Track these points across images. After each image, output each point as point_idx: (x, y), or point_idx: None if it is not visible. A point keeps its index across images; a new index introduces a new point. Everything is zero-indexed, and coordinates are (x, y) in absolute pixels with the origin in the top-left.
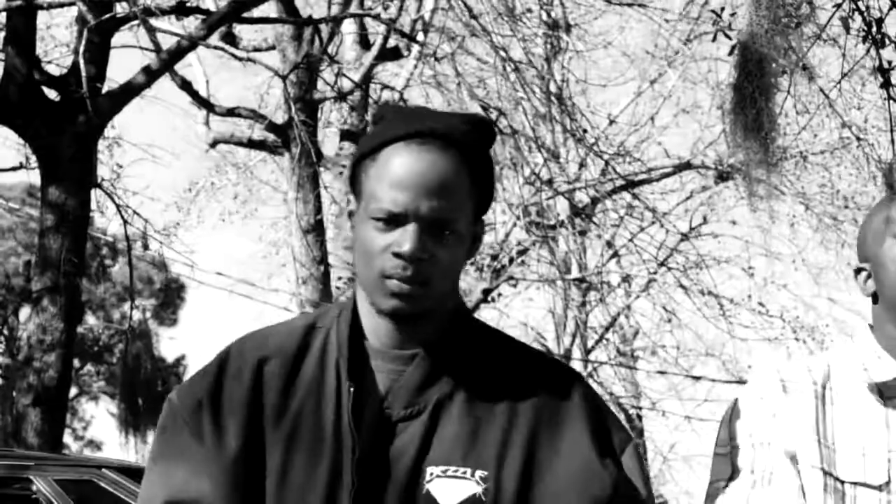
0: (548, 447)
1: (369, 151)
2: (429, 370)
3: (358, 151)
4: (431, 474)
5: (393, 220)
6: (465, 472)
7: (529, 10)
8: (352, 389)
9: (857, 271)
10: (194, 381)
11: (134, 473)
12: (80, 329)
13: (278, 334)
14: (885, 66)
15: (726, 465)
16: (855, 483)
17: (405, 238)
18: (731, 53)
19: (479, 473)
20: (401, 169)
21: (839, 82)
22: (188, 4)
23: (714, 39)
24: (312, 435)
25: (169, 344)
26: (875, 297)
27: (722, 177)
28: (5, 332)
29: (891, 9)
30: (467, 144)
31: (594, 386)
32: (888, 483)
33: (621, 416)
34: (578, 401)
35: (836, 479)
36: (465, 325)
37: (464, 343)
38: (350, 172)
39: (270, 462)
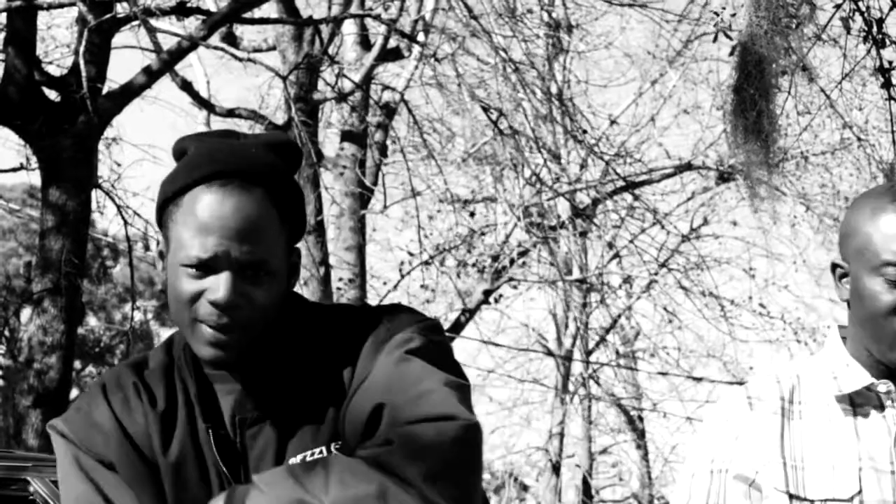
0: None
1: (172, 196)
2: (260, 379)
3: (161, 194)
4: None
5: (203, 267)
6: (321, 451)
7: (530, 11)
8: (210, 431)
9: (834, 267)
10: (82, 415)
11: None
12: (80, 330)
13: (143, 364)
14: (886, 66)
15: (686, 490)
16: (825, 500)
17: (218, 285)
18: (731, 54)
19: (333, 446)
20: (205, 214)
21: (840, 83)
22: (188, 5)
23: (715, 40)
24: (198, 478)
25: None
26: (849, 304)
27: (723, 178)
28: (6, 333)
29: (891, 9)
30: (271, 177)
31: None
32: (860, 492)
33: (622, 418)
34: (379, 344)
35: (804, 499)
36: (290, 328)
37: (290, 343)
38: (157, 214)
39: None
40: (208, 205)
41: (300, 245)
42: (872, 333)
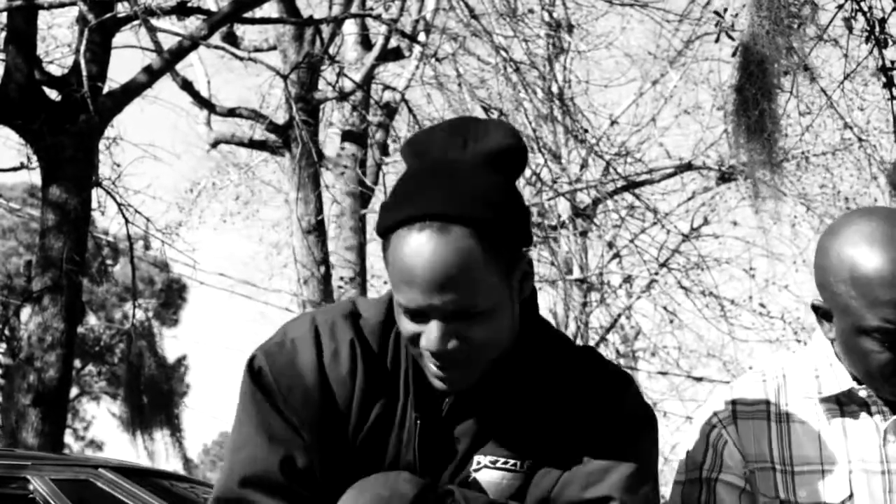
0: (582, 447)
1: (384, 232)
2: (486, 386)
3: (378, 224)
4: (479, 463)
5: (417, 315)
6: (514, 465)
7: (531, 11)
8: (419, 422)
9: (816, 309)
10: (289, 355)
11: (131, 473)
12: (81, 329)
13: (362, 320)
14: (888, 66)
15: (678, 497)
16: None
17: (430, 332)
18: (734, 55)
19: (527, 464)
20: (405, 262)
21: (841, 83)
22: (189, 4)
23: (717, 40)
24: (393, 454)
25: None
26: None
27: (723, 178)
28: (6, 331)
29: (894, 9)
30: (473, 219)
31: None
32: (851, 497)
33: None
34: (617, 412)
35: None
36: (525, 344)
37: (523, 357)
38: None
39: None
40: (408, 254)
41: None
42: (870, 384)
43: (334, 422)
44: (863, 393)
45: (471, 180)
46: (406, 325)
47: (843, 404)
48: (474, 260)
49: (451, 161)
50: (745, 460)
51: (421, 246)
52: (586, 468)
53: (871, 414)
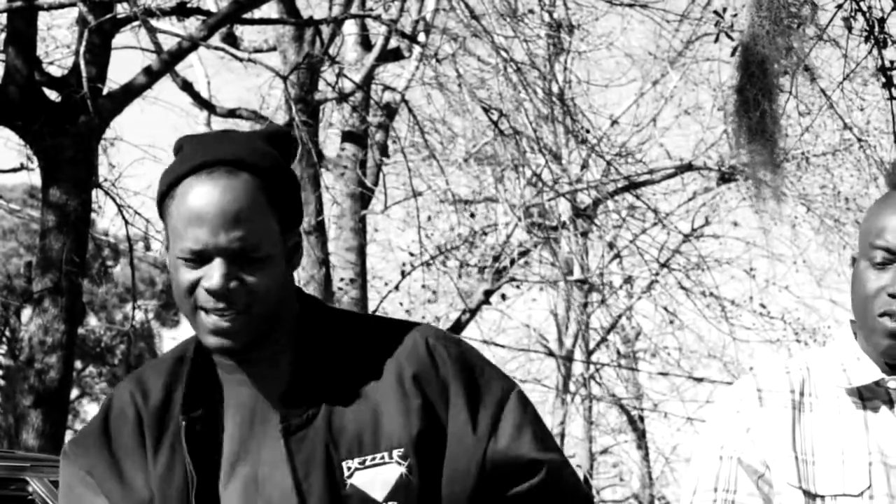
0: (440, 417)
1: (167, 189)
2: (303, 372)
3: (158, 189)
4: (350, 469)
5: (197, 258)
6: (382, 457)
7: (531, 11)
8: (184, 423)
9: (853, 261)
10: (85, 431)
11: None
12: (81, 330)
13: (150, 370)
14: (888, 66)
15: (694, 479)
16: (835, 496)
17: (212, 273)
18: (733, 55)
19: (395, 453)
20: (193, 204)
21: (841, 83)
22: (189, 5)
23: (717, 41)
24: (166, 469)
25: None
26: None
27: (724, 178)
28: (7, 333)
29: (893, 9)
30: (256, 165)
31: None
32: (869, 487)
33: (623, 418)
34: (451, 365)
35: (815, 495)
36: (314, 317)
37: (322, 335)
38: (158, 209)
39: (157, 498)
40: (196, 195)
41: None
42: (860, 320)
43: (132, 470)
44: (892, 384)
45: (253, 143)
46: (185, 276)
47: (867, 399)
48: (260, 204)
49: (231, 133)
50: (766, 448)
51: (212, 186)
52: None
53: (892, 410)
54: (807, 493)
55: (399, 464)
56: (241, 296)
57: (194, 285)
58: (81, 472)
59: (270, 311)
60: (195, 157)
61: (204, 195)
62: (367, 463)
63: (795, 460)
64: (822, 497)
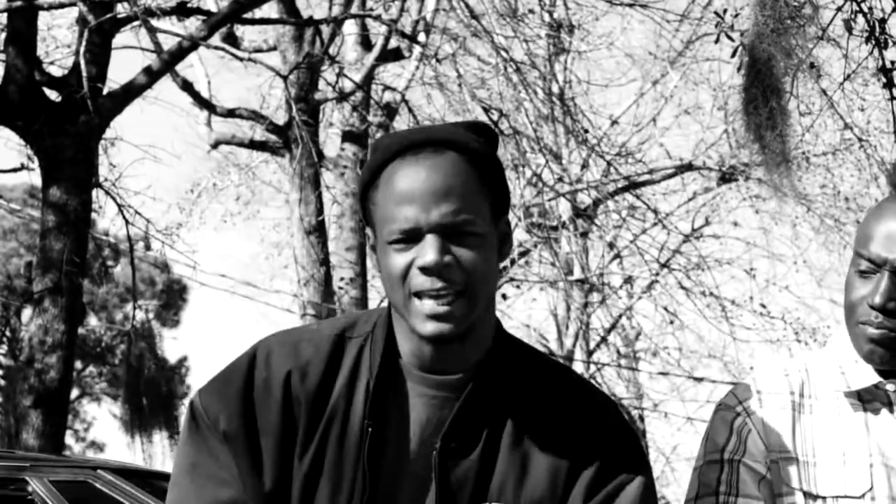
0: (591, 485)
1: (370, 178)
2: (478, 401)
3: (360, 184)
4: None
5: (409, 238)
6: None
7: (531, 11)
8: (370, 430)
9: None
10: (220, 387)
11: (130, 475)
12: (81, 330)
13: (307, 345)
14: (888, 66)
15: (696, 481)
16: (836, 497)
17: (425, 250)
18: (733, 55)
19: None
20: (402, 183)
21: (842, 84)
22: (189, 5)
23: (717, 41)
24: (334, 469)
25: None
26: None
27: (724, 178)
28: (7, 333)
29: (894, 10)
30: (465, 145)
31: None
32: (871, 489)
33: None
34: (608, 440)
35: (816, 496)
36: (504, 348)
37: (508, 367)
38: (360, 207)
39: (294, 494)
40: (404, 175)
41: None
42: (846, 324)
43: (270, 453)
44: (890, 387)
45: (457, 129)
46: (396, 261)
47: (866, 401)
48: (470, 180)
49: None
50: (767, 450)
51: (418, 165)
52: None
53: (892, 412)
54: (808, 495)
55: None
56: (456, 273)
57: (407, 269)
58: (217, 430)
59: (486, 298)
60: (398, 143)
61: (410, 174)
62: None
63: (797, 462)
64: (824, 498)
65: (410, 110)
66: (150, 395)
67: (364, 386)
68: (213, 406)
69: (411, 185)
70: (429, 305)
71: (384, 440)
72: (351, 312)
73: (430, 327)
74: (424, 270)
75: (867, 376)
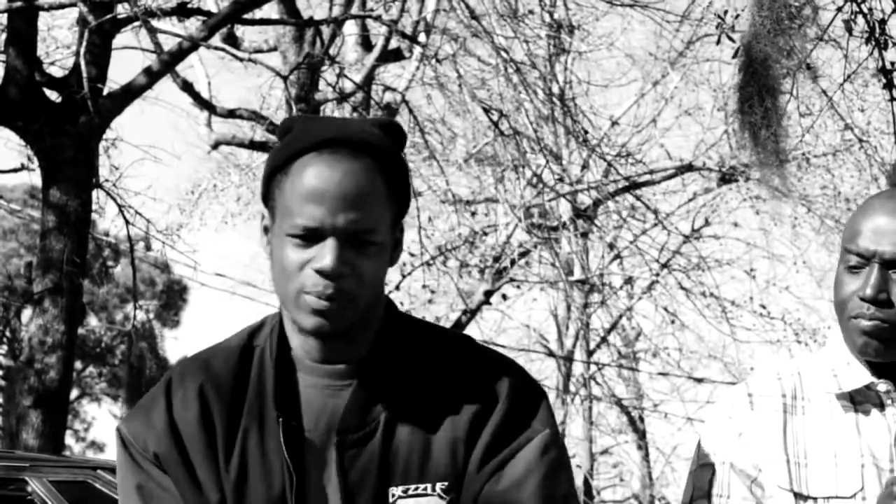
0: (488, 450)
1: (282, 164)
2: (370, 389)
3: (268, 165)
4: (394, 496)
5: (310, 236)
6: (426, 489)
7: (531, 12)
8: (280, 420)
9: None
10: (143, 414)
11: None
12: (81, 331)
13: (217, 357)
14: (888, 67)
15: (690, 485)
16: (828, 498)
17: (324, 253)
18: (735, 57)
19: (439, 486)
20: (314, 181)
21: (842, 84)
22: (189, 6)
23: (718, 42)
24: (262, 468)
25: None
26: None
27: (724, 179)
28: (7, 333)
29: (894, 11)
30: (381, 149)
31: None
32: (862, 489)
33: (623, 418)
34: (505, 401)
35: (808, 497)
36: (396, 330)
37: (399, 352)
38: (263, 186)
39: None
40: (317, 172)
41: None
42: (838, 321)
43: (202, 467)
44: (882, 387)
45: (372, 128)
46: (292, 255)
47: (858, 403)
48: (380, 189)
49: (347, 118)
50: (758, 452)
51: (333, 165)
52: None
53: (883, 413)
54: (799, 496)
55: (441, 497)
56: (349, 282)
57: (302, 265)
58: (148, 454)
59: (370, 302)
60: (316, 134)
61: (325, 173)
62: (411, 492)
63: (787, 463)
64: (815, 499)
65: (411, 111)
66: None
67: (271, 390)
68: (139, 433)
69: (324, 185)
70: (314, 301)
71: (301, 431)
72: (259, 319)
73: (311, 321)
74: (320, 273)
75: (859, 377)
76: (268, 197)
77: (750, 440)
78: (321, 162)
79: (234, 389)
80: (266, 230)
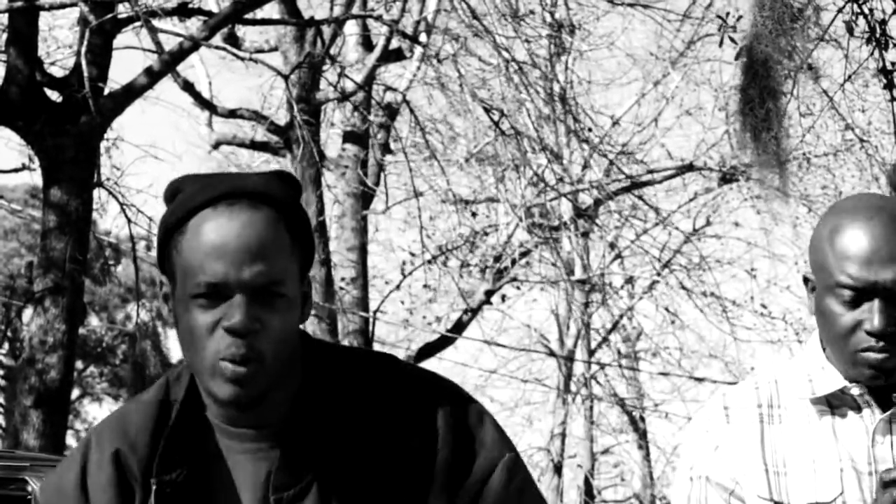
0: (443, 492)
1: (176, 223)
2: (296, 449)
3: (162, 227)
4: None
5: (215, 294)
6: None
7: (532, 12)
8: (154, 486)
9: (806, 280)
10: (57, 481)
11: None
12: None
13: (134, 415)
14: (889, 67)
15: (673, 498)
16: None
17: (233, 311)
18: (737, 58)
19: None
20: (213, 235)
21: (843, 84)
22: (190, 5)
23: (721, 44)
24: None
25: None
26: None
27: (725, 178)
28: (9, 333)
29: (895, 11)
30: (280, 200)
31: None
32: (841, 493)
33: (624, 418)
34: (445, 430)
35: None
36: (316, 380)
37: (323, 404)
38: (159, 253)
39: None
40: (216, 226)
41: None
42: (834, 352)
43: None
44: (855, 391)
45: (269, 179)
46: (199, 319)
47: (834, 407)
48: (283, 240)
49: (238, 172)
50: (735, 464)
51: (232, 218)
52: None
53: (860, 416)
54: None
55: None
56: (261, 340)
57: (212, 328)
58: None
59: (284, 360)
60: (210, 189)
61: (225, 226)
62: None
63: (766, 473)
64: None
65: (412, 110)
66: None
67: (163, 444)
68: (50, 499)
69: (224, 239)
70: (228, 368)
71: (191, 497)
72: (174, 370)
73: (226, 391)
74: (230, 332)
75: (833, 382)
76: (164, 261)
77: (727, 453)
78: (219, 215)
79: (150, 450)
80: (166, 298)
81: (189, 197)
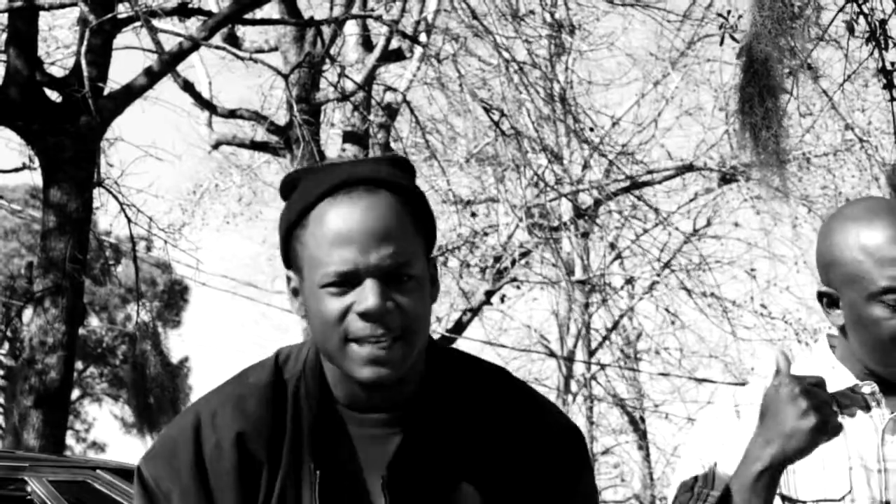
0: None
1: (297, 217)
2: (418, 438)
3: (283, 224)
4: None
5: (346, 281)
6: None
7: (532, 12)
8: (318, 473)
9: (822, 296)
10: (168, 457)
11: (129, 475)
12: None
13: (251, 399)
14: (889, 67)
15: (675, 490)
16: (817, 501)
17: (365, 295)
18: (739, 57)
19: None
20: (336, 224)
21: (842, 84)
22: (190, 6)
23: (721, 43)
24: None
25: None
26: (843, 329)
27: (725, 179)
28: (8, 333)
29: (895, 11)
30: (396, 184)
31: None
32: (850, 491)
33: (624, 418)
34: (551, 445)
35: (797, 501)
36: (439, 371)
37: (444, 398)
38: (282, 249)
39: None
40: (338, 215)
41: None
42: (880, 359)
43: None
44: (867, 389)
45: (382, 165)
46: (332, 305)
47: (844, 406)
48: (405, 221)
49: (353, 159)
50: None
51: (353, 204)
52: None
53: (869, 415)
54: (788, 500)
55: None
56: (396, 319)
57: (344, 314)
58: (170, 501)
59: (423, 339)
60: (327, 180)
61: (346, 214)
62: None
63: None
64: (804, 502)
65: (412, 110)
66: (157, 391)
67: (308, 432)
68: (162, 479)
69: (348, 226)
70: (367, 350)
71: (338, 483)
72: (277, 350)
73: (368, 372)
74: (364, 316)
75: (843, 380)
76: (289, 257)
77: (736, 449)
78: (340, 204)
79: (274, 437)
80: (296, 293)
81: (306, 190)
